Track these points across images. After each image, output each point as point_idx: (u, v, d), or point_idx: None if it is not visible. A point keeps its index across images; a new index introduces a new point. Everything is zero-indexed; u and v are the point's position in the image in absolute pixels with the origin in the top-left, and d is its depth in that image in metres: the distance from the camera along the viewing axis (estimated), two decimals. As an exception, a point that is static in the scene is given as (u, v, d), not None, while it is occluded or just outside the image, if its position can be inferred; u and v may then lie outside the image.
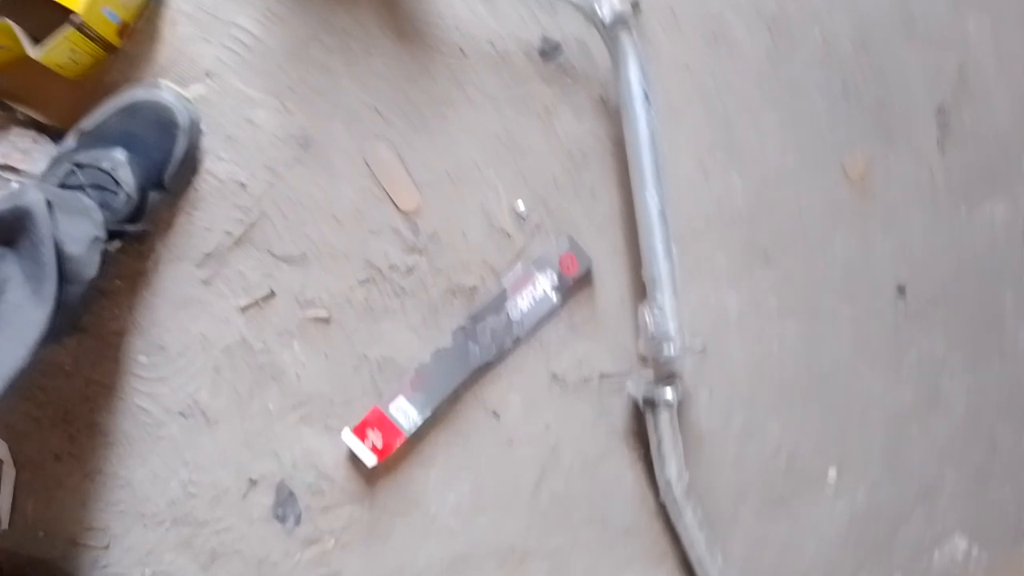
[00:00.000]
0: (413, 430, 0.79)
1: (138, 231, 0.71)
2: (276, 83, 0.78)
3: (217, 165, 0.77)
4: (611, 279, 0.86)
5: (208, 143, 0.77)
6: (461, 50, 0.82)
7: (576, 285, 0.85)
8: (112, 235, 0.68)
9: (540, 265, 0.84)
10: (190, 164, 0.75)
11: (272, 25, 0.78)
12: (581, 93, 0.85)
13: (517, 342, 0.84)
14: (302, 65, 0.79)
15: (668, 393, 0.81)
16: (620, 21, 0.78)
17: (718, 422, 0.89)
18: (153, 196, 0.71)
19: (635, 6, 0.80)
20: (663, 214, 0.81)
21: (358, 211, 0.80)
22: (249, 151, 0.78)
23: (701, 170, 0.88)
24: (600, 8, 0.77)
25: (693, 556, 0.85)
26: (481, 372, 0.83)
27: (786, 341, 0.91)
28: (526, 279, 0.83)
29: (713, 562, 0.86)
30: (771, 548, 0.90)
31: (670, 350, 0.80)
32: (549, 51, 0.85)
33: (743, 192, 0.89)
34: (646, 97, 0.80)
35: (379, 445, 0.79)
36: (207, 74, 0.77)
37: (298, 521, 0.81)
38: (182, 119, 0.72)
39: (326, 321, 0.79)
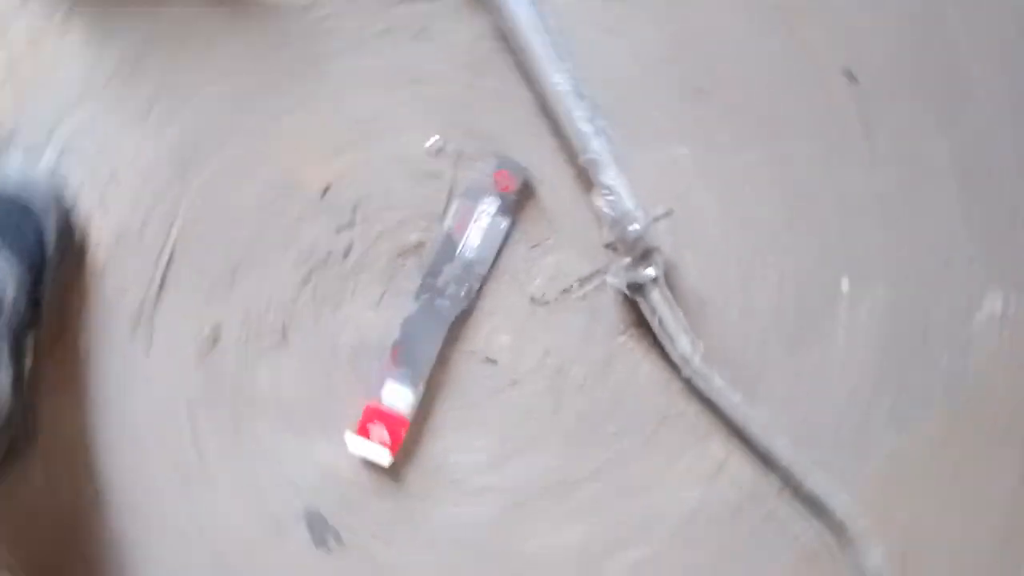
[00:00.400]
0: (413, 410, 0.75)
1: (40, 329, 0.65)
2: (132, 106, 0.71)
3: (106, 219, 0.71)
4: (553, 180, 0.80)
5: (86, 200, 0.70)
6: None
7: (520, 200, 0.79)
8: (16, 349, 0.62)
9: (475, 194, 0.77)
10: (71, 236, 0.69)
11: (98, 51, 0.71)
12: (450, -1, 0.78)
13: (483, 280, 0.78)
14: (150, 78, 0.72)
15: (650, 270, 0.76)
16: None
17: (712, 279, 0.83)
18: (45, 285, 0.65)
19: None
20: (578, 91, 0.75)
21: (272, 208, 0.74)
22: (133, 190, 0.72)
23: (603, 30, 0.80)
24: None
25: (738, 418, 0.82)
26: (459, 325, 0.78)
27: (752, 172, 0.85)
28: (467, 213, 0.77)
29: (758, 415, 0.83)
30: (807, 381, 0.85)
31: (635, 227, 0.74)
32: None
33: (655, 35, 0.82)
34: (514, -25, 0.74)
35: (387, 438, 0.74)
36: (53, 129, 0.70)
37: (339, 539, 0.77)
38: (39, 196, 0.65)
39: (282, 334, 0.74)
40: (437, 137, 0.77)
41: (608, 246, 0.77)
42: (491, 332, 0.79)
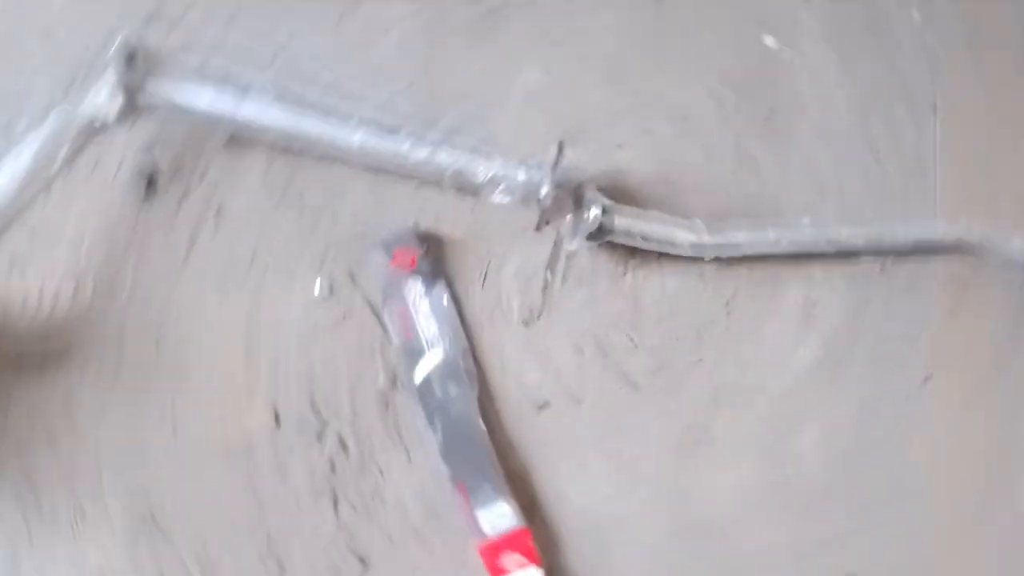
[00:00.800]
0: (520, 513, 0.66)
1: None
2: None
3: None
4: (445, 213, 0.70)
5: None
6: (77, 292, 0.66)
7: (434, 258, 0.69)
8: None
9: (394, 291, 0.68)
10: None
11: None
12: (210, 161, 0.68)
13: (470, 351, 0.69)
14: (57, 496, 0.64)
15: (594, 210, 0.66)
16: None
17: (653, 152, 0.73)
18: None
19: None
20: (386, 130, 0.65)
21: (250, 474, 0.65)
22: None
23: (348, 47, 0.70)
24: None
25: (787, 248, 0.71)
26: (487, 405, 0.69)
27: (591, 31, 0.73)
28: (403, 314, 0.68)
29: (802, 227, 0.72)
30: (813, 156, 0.74)
31: (544, 189, 0.64)
32: (152, 174, 0.68)
33: (392, 14, 0.71)
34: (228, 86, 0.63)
35: (523, 559, 0.65)
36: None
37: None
38: None
39: (358, 560, 0.66)
40: (318, 280, 0.68)
41: (540, 226, 0.67)
42: (518, 382, 0.70)
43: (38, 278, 0.65)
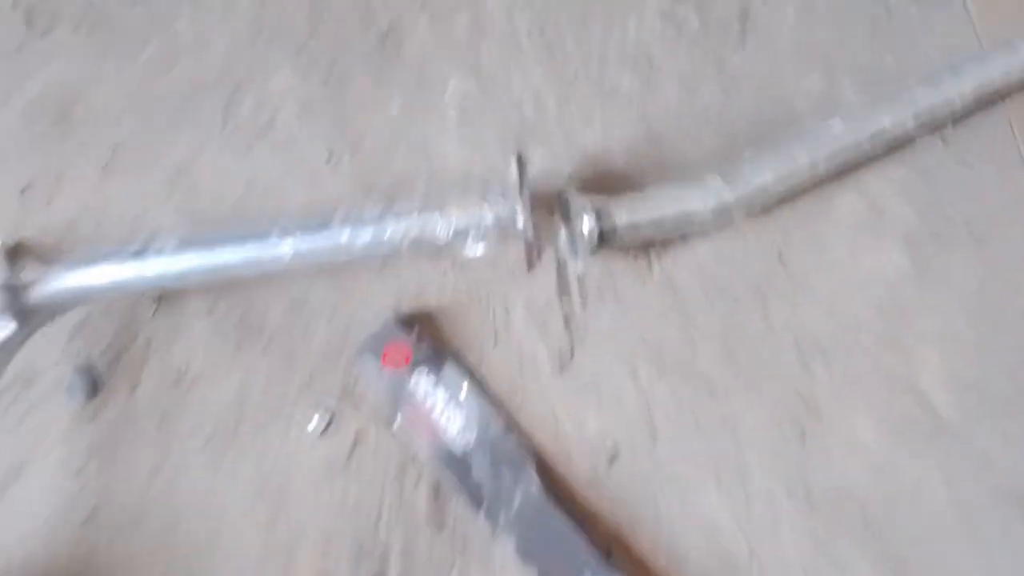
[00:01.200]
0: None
1: None
2: None
3: None
4: (430, 289, 0.61)
5: None
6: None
7: (431, 340, 0.59)
8: None
9: (399, 393, 0.58)
10: None
11: None
12: (147, 332, 0.59)
13: (513, 426, 0.59)
14: None
15: (586, 218, 0.54)
16: None
17: (622, 126, 0.61)
18: None
19: None
20: (315, 225, 0.53)
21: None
22: None
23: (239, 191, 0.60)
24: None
25: (831, 169, 0.58)
26: (554, 478, 0.58)
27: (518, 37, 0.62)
28: (418, 417, 0.58)
29: (833, 130, 0.59)
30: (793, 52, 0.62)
31: (519, 219, 0.53)
32: (90, 373, 0.59)
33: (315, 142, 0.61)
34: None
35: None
36: None
37: None
38: None
39: None
40: (315, 416, 0.59)
41: (531, 263, 0.55)
42: (580, 437, 0.59)
43: (20, 543, 0.56)
